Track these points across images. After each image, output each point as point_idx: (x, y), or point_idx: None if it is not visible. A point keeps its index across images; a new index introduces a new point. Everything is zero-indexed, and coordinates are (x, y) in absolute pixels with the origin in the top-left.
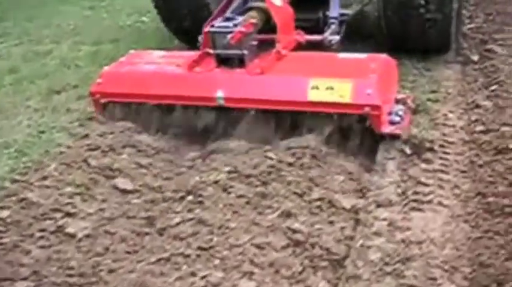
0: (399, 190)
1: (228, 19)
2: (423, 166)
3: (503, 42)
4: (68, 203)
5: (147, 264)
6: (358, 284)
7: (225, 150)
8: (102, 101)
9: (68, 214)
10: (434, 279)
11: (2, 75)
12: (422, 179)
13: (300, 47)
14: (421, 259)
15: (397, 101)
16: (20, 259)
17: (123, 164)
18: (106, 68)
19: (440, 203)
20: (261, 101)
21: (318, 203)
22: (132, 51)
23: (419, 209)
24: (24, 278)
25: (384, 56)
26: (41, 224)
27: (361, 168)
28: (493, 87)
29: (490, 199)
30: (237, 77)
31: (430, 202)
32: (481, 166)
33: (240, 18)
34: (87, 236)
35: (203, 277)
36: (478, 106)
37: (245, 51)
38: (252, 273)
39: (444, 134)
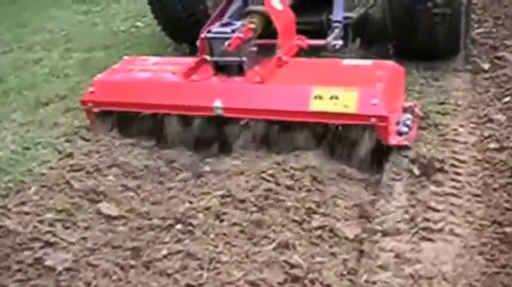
0: (407, 216)
1: (225, 24)
2: (433, 188)
3: None
4: (47, 232)
5: None
6: None
7: (219, 171)
8: (95, 110)
9: (48, 244)
10: None
11: None
12: (432, 204)
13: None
14: None
15: (405, 110)
16: None
17: (108, 187)
18: (99, 75)
19: (452, 232)
20: (261, 111)
21: (319, 232)
22: (126, 57)
23: (429, 239)
24: None
25: (390, 62)
26: (18, 255)
27: (365, 191)
28: (506, 99)
29: (507, 229)
30: (236, 86)
31: (441, 230)
32: (495, 190)
33: (238, 23)
34: (68, 269)
35: None
36: (490, 120)
37: (244, 58)
38: None
39: (455, 152)
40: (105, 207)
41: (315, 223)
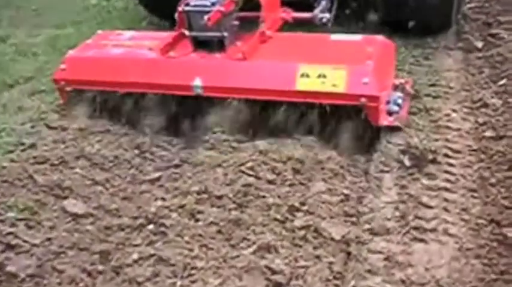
0: (397, 213)
1: None
2: (425, 181)
3: (509, 26)
4: (9, 233)
5: None
6: None
7: (194, 162)
8: (68, 89)
9: (10, 247)
10: None
11: None
12: (424, 200)
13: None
14: None
15: (395, 87)
16: None
17: (75, 181)
18: (70, 52)
19: (446, 232)
20: (243, 90)
21: (302, 232)
22: (99, 31)
23: (422, 240)
24: None
25: (380, 37)
26: None
27: (352, 184)
28: (502, 82)
29: (506, 230)
30: (216, 63)
31: (434, 230)
32: (493, 185)
33: None
34: (31, 275)
35: None
36: (485, 105)
37: (225, 33)
38: None
39: (448, 140)
40: (72, 204)
41: (298, 222)
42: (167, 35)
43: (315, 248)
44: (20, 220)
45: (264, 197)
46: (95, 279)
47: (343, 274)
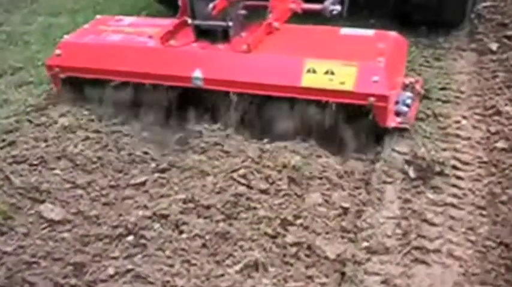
0: (399, 230)
1: None
2: (430, 195)
3: None
4: None
5: None
6: None
7: (183, 167)
8: (62, 76)
9: None
10: None
11: None
12: (429, 216)
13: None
14: None
15: (405, 87)
16: None
17: (53, 184)
18: (66, 37)
19: (450, 254)
20: (246, 84)
21: (294, 249)
22: (98, 16)
23: (424, 262)
24: None
25: (393, 33)
26: None
27: (351, 196)
28: None
29: None
30: (219, 55)
31: (437, 251)
32: (503, 203)
33: None
34: None
35: None
36: (498, 113)
37: (230, 23)
38: None
39: (456, 150)
40: (49, 209)
41: (290, 238)
42: (168, 23)
43: (307, 267)
44: None
45: (255, 208)
46: None
47: None
